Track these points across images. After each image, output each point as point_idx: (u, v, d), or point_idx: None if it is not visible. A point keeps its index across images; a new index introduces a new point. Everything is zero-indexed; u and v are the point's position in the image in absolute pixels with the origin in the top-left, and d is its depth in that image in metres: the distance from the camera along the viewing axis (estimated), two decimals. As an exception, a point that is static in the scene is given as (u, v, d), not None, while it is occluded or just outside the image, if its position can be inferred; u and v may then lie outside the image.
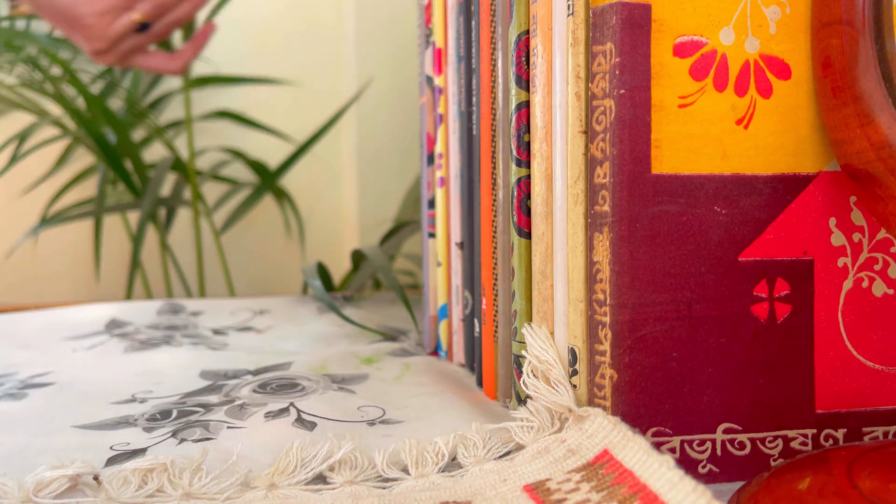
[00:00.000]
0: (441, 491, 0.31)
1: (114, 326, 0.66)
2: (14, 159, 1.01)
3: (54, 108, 1.05)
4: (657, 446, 0.33)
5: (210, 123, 1.12)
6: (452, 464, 0.34)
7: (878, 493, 0.27)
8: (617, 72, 0.33)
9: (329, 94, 1.10)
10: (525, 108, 0.39)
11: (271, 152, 1.11)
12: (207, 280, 1.09)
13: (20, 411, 0.43)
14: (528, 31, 0.39)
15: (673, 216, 0.33)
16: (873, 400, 0.35)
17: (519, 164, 0.40)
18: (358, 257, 0.81)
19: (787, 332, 0.34)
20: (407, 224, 0.85)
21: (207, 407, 0.43)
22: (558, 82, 0.36)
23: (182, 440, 0.38)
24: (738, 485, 0.32)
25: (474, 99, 0.47)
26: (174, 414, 0.42)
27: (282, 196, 1.10)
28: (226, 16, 1.05)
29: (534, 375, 0.37)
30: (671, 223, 0.33)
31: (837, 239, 0.35)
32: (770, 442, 0.34)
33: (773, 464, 0.34)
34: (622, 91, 0.33)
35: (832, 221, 0.35)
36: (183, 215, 1.12)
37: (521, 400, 0.39)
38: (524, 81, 0.39)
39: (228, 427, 0.39)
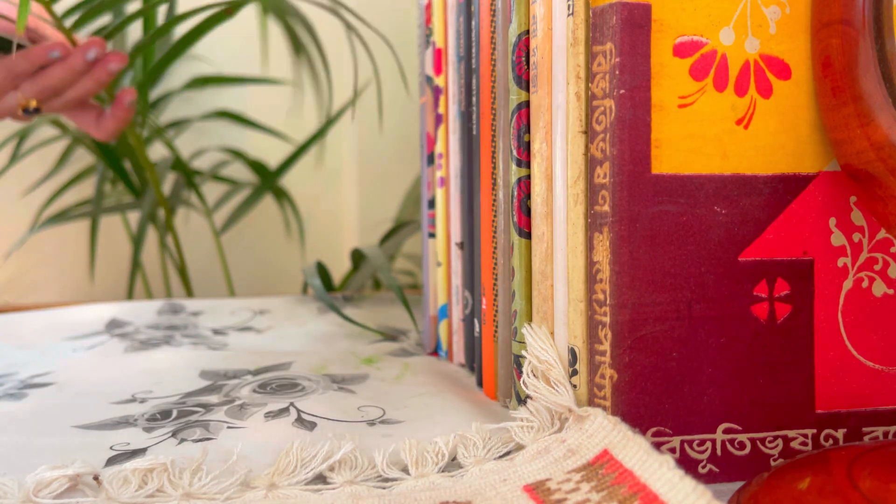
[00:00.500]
0: (441, 491, 0.31)
1: (114, 326, 0.66)
2: (14, 159, 1.01)
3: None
4: (657, 446, 0.33)
5: (210, 123, 1.12)
6: (452, 464, 0.34)
7: (878, 493, 0.27)
8: (617, 72, 0.33)
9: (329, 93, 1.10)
10: (525, 108, 0.39)
11: (271, 152, 1.11)
12: (208, 280, 1.09)
13: (20, 411, 0.43)
14: (528, 31, 0.39)
15: (673, 216, 0.33)
16: (873, 400, 0.35)
17: (519, 164, 0.40)
18: (358, 257, 0.81)
19: (787, 332, 0.34)
20: (407, 224, 0.85)
21: (207, 407, 0.43)
22: (558, 82, 0.36)
23: (182, 440, 0.38)
24: (738, 485, 0.32)
25: (474, 99, 0.47)
26: (174, 414, 0.42)
27: (282, 196, 1.10)
28: (226, 16, 1.05)
29: (534, 375, 0.37)
30: (671, 223, 0.33)
31: (837, 239, 0.35)
32: (770, 442, 0.34)
33: (773, 464, 0.34)
34: (622, 91, 0.33)
35: (832, 221, 0.35)
36: (183, 215, 1.12)
37: (521, 400, 0.39)
38: (524, 81, 0.39)
39: (228, 427, 0.39)
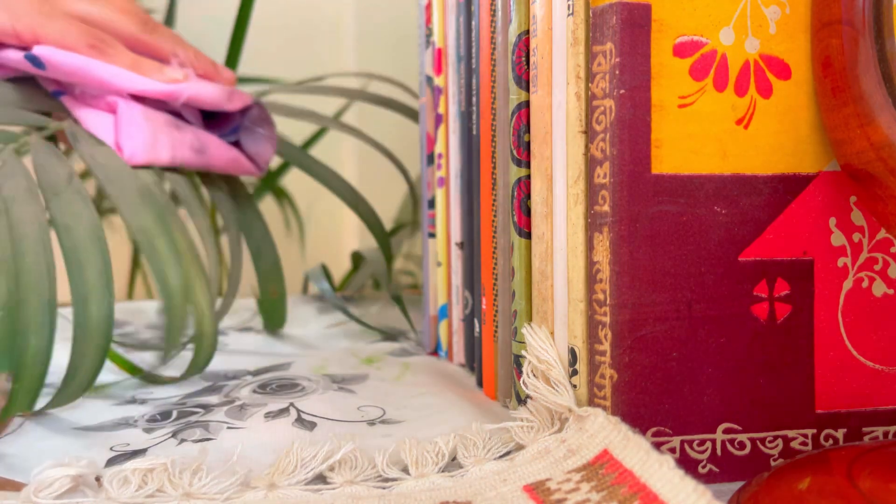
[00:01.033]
0: (441, 491, 0.31)
1: (114, 326, 0.66)
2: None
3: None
4: (657, 446, 0.33)
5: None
6: (452, 464, 0.34)
7: (878, 493, 0.27)
8: (617, 72, 0.33)
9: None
10: (525, 108, 0.39)
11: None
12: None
13: (20, 411, 0.43)
14: (528, 31, 0.39)
15: (673, 216, 0.33)
16: (873, 400, 0.35)
17: (519, 164, 0.40)
18: (358, 259, 0.81)
19: (787, 332, 0.34)
20: (407, 224, 0.85)
21: (207, 407, 0.43)
22: (558, 82, 0.36)
23: (182, 441, 0.38)
24: (738, 485, 0.32)
25: (474, 99, 0.47)
26: (174, 415, 0.42)
27: (282, 196, 1.10)
28: (226, 15, 1.05)
29: (534, 375, 0.37)
30: (671, 223, 0.33)
31: (837, 239, 0.35)
32: (770, 442, 0.34)
33: (773, 464, 0.34)
34: (622, 91, 0.33)
35: (832, 221, 0.35)
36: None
37: (521, 400, 0.39)
38: (524, 81, 0.39)
39: (228, 427, 0.39)
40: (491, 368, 0.45)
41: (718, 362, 0.34)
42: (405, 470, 0.34)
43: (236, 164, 0.59)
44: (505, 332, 0.43)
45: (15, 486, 0.32)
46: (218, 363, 0.53)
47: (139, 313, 0.70)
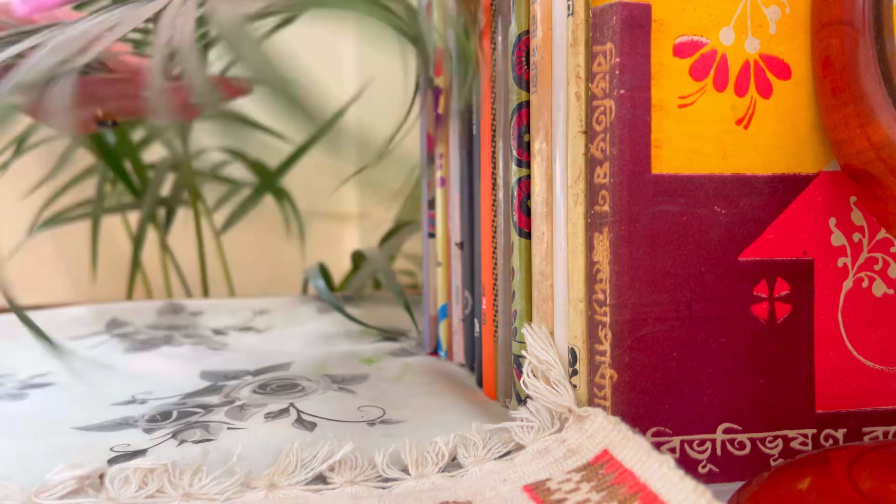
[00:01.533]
0: (441, 491, 0.31)
1: (114, 326, 0.66)
2: (13, 157, 1.01)
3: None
4: (657, 446, 0.33)
5: (210, 124, 1.11)
6: (452, 464, 0.34)
7: (878, 493, 0.27)
8: (617, 72, 0.33)
9: (329, 93, 1.10)
10: (525, 108, 0.39)
11: (271, 152, 1.11)
12: (208, 280, 1.09)
13: (20, 412, 0.43)
14: (528, 31, 0.39)
15: (673, 216, 0.33)
16: (873, 400, 0.35)
17: (519, 164, 0.40)
18: (358, 258, 0.81)
19: (787, 332, 0.34)
20: (407, 224, 0.85)
21: (207, 408, 0.43)
22: (558, 82, 0.36)
23: (182, 441, 0.38)
24: (738, 485, 0.32)
25: (474, 99, 0.47)
26: (174, 415, 0.42)
27: (282, 196, 1.10)
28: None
29: (534, 375, 0.37)
30: (671, 223, 0.33)
31: (837, 239, 0.35)
32: (770, 442, 0.34)
33: (773, 464, 0.34)
34: (622, 91, 0.33)
35: (832, 221, 0.35)
36: (183, 215, 1.12)
37: (521, 400, 0.39)
38: (524, 81, 0.39)
39: (229, 428, 0.39)
40: (491, 368, 0.45)
41: (718, 362, 0.34)
42: (405, 470, 0.34)
43: None
44: (505, 332, 0.43)
45: None
46: (218, 363, 0.53)
47: (139, 313, 0.70)
